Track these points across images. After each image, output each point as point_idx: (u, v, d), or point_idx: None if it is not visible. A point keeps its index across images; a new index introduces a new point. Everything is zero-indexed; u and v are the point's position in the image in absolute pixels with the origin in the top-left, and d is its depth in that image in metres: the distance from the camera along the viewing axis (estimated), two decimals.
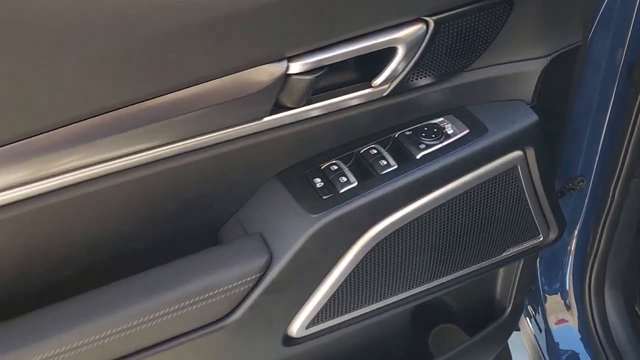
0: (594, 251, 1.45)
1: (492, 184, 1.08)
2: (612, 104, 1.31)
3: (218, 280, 0.93)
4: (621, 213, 1.39)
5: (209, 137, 0.92)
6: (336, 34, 0.90)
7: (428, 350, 1.46)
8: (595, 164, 1.39)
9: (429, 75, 1.03)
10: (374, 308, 1.10)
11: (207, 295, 0.93)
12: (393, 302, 1.12)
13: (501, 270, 1.40)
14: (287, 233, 0.97)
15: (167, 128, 0.88)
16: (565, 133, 1.32)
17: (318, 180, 1.01)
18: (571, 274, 1.49)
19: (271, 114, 0.95)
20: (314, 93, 0.98)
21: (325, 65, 0.91)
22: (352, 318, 1.09)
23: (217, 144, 0.94)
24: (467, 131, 1.05)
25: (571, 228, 1.48)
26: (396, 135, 1.06)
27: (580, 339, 1.45)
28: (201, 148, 0.93)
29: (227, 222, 1.06)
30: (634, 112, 1.28)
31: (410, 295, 1.14)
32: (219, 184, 1.00)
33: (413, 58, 0.98)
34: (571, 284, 1.49)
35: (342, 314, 1.07)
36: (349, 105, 1.01)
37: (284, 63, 0.88)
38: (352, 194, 0.98)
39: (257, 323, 1.00)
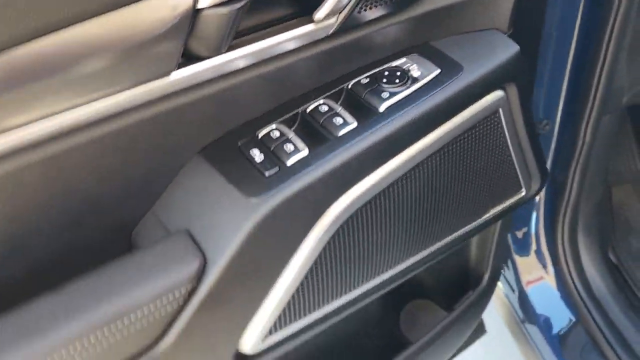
0: (565, 197, 1.33)
1: (472, 133, 0.89)
2: (578, 26, 1.18)
3: (135, 299, 0.69)
4: (591, 153, 1.28)
5: (85, 109, 0.66)
6: None
7: (399, 332, 1.29)
8: (561, 103, 1.27)
9: (384, 2, 0.84)
10: (344, 302, 0.90)
11: (124, 320, 0.69)
12: (366, 291, 0.93)
13: (477, 236, 1.24)
14: (223, 226, 0.73)
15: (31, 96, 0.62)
16: (535, 69, 1.20)
17: (256, 152, 0.77)
18: (542, 225, 1.38)
19: (179, 68, 0.70)
20: (237, 35, 0.74)
21: None
22: (319, 318, 0.89)
23: (106, 117, 0.68)
24: (438, 71, 0.85)
25: None
26: (349, 86, 0.85)
27: (557, 294, 1.33)
28: (83, 126, 0.67)
29: (142, 220, 0.81)
30: (607, 31, 1.14)
31: (387, 279, 0.94)
32: (119, 171, 0.75)
33: None
34: (542, 235, 1.38)
35: (305, 316, 0.86)
36: (285, 49, 0.78)
37: None
38: (304, 165, 0.76)
39: (197, 346, 0.77)
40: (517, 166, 0.99)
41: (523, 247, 1.40)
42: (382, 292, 0.96)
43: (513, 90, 0.91)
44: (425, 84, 0.84)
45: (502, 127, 0.93)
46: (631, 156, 1.52)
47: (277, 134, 0.80)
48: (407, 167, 0.84)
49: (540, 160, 1.04)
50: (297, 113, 0.82)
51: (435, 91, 0.83)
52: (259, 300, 0.79)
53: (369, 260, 0.89)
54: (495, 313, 1.44)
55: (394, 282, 0.96)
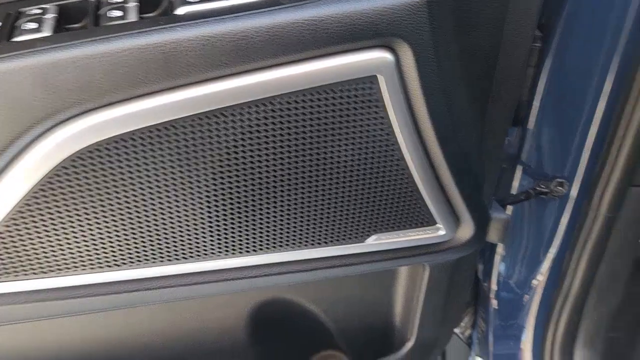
0: (565, 290, 0.99)
1: (322, 100, 0.65)
2: (615, 73, 0.91)
3: None
4: (610, 235, 0.95)
5: None
6: None
7: None
8: (583, 161, 0.98)
9: None
10: (99, 282, 0.69)
11: None
12: (133, 283, 0.71)
13: (400, 290, 0.96)
14: None
15: None
16: (525, 90, 0.93)
17: None
18: (532, 322, 1.03)
19: None
20: None
21: None
22: (50, 291, 0.68)
23: None
24: None
25: (541, 255, 1.04)
26: None
27: None
28: None
29: None
30: None
31: (178, 276, 0.72)
32: None
33: None
34: (530, 336, 1.03)
35: (28, 273, 0.67)
36: None
37: None
38: (29, 46, 0.58)
39: None
40: (418, 181, 0.72)
41: (504, 333, 1.05)
42: (178, 297, 0.72)
43: (407, 55, 0.64)
44: (257, 1, 0.61)
45: (382, 107, 0.66)
46: None
47: (36, 12, 0.63)
48: (203, 106, 0.61)
49: (468, 188, 0.77)
50: (88, 1, 0.65)
51: (263, 12, 0.60)
52: None
53: (138, 227, 0.66)
54: None
55: (199, 289, 0.72)
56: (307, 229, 0.72)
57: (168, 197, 0.65)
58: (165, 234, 0.68)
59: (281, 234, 0.71)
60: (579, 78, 1.00)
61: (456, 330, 1.15)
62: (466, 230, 0.81)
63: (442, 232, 0.79)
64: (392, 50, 0.64)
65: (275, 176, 0.67)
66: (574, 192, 0.97)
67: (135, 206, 0.65)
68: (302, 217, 0.71)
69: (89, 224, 0.65)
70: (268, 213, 0.69)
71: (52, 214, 0.63)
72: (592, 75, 0.94)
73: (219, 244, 0.70)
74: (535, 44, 0.98)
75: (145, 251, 0.69)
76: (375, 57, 0.63)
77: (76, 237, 0.65)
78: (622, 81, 0.89)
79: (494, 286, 1.13)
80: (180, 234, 0.68)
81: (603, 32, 0.92)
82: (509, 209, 1.12)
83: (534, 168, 1.06)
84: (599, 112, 0.92)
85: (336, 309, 0.95)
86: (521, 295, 1.07)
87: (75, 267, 0.67)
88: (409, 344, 0.98)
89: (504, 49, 0.78)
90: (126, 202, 0.64)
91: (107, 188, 0.63)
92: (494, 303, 1.11)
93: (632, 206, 0.92)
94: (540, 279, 1.03)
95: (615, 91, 0.90)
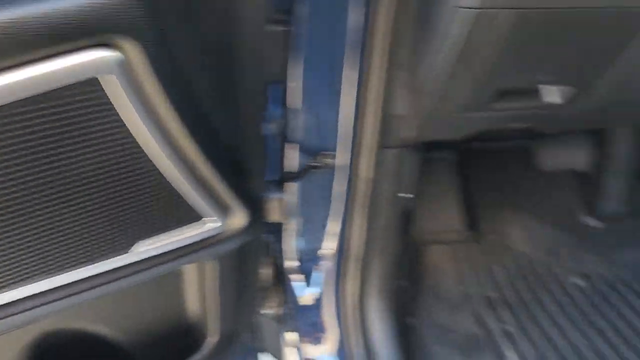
0: (349, 252, 1.07)
1: (46, 108, 0.59)
2: (353, 46, 0.98)
3: None
4: (376, 195, 1.04)
5: None
6: None
7: None
8: (341, 133, 1.06)
9: None
10: None
11: None
12: None
13: (191, 289, 0.95)
14: None
15: None
16: (281, 72, 0.98)
17: None
18: (329, 287, 1.11)
19: None
20: None
21: None
22: None
23: None
24: None
25: (328, 225, 1.12)
26: None
27: None
28: None
29: None
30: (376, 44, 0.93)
31: None
32: None
33: None
34: (329, 301, 1.11)
35: None
36: None
37: None
38: None
39: None
40: (174, 180, 0.71)
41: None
42: None
43: (134, 51, 0.61)
44: None
45: (112, 109, 0.63)
46: (451, 214, 1.28)
47: None
48: None
49: (237, 179, 0.79)
50: None
51: None
52: None
53: None
54: None
55: None
56: (58, 251, 0.66)
57: None
58: None
59: (27, 263, 0.64)
60: (325, 56, 1.07)
61: (267, 311, 1.20)
62: (240, 218, 0.82)
63: (213, 225, 0.79)
64: (116, 47, 0.60)
65: (4, 197, 0.60)
66: (340, 161, 1.05)
67: None
68: (47, 239, 0.65)
69: None
70: (2, 241, 0.62)
71: None
72: (336, 52, 1.01)
73: None
74: (280, 28, 1.02)
75: None
76: (93, 57, 0.59)
77: None
78: (362, 54, 0.96)
79: (293, 263, 1.18)
80: None
81: (340, 12, 0.99)
82: (296, 186, 1.18)
83: (306, 145, 1.12)
84: (346, 86, 0.99)
85: (127, 325, 0.93)
86: (317, 265, 1.13)
87: None
88: (212, 339, 0.99)
89: (241, 34, 0.78)
90: None
91: None
92: (295, 278, 1.17)
93: (387, 165, 1.01)
94: (330, 247, 1.10)
95: (357, 66, 0.97)
